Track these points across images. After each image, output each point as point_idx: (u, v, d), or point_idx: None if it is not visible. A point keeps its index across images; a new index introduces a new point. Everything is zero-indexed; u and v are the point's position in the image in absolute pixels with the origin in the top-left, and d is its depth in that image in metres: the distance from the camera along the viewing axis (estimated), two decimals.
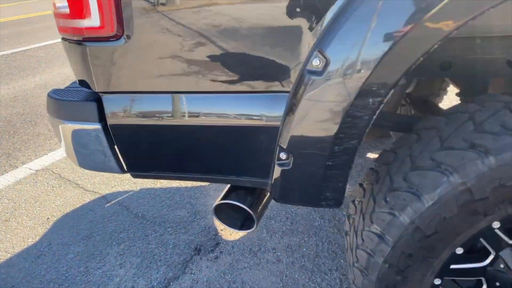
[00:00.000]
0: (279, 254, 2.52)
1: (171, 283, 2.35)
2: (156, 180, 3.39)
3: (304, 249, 2.54)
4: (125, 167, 1.51)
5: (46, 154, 3.88)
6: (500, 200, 1.15)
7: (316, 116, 1.23)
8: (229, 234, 2.71)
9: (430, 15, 1.05)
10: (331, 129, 1.22)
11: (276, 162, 1.36)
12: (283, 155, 1.34)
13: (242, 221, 1.69)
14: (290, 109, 1.26)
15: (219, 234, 2.72)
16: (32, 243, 2.74)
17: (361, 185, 1.62)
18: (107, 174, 3.33)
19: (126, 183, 3.34)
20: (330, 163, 1.28)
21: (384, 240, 1.32)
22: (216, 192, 3.19)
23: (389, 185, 1.37)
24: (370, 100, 1.18)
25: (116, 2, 1.22)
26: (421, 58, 1.12)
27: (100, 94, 1.40)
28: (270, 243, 2.60)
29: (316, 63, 1.17)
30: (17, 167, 3.68)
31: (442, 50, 1.53)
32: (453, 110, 1.37)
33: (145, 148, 1.46)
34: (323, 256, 2.47)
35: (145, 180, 3.38)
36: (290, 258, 2.47)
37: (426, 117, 1.44)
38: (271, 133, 1.32)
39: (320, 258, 2.46)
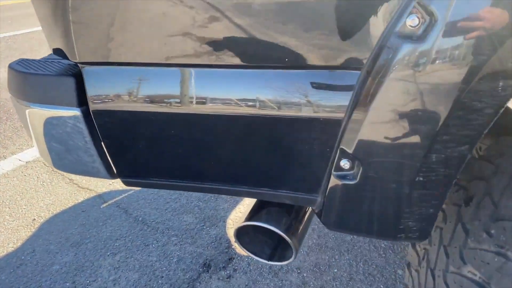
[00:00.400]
0: (305, 275, 2.09)
1: None
2: None
3: (335, 270, 2.11)
4: (114, 170, 1.08)
5: None
6: None
7: (406, 105, 0.78)
8: None
9: None
10: (430, 127, 0.78)
11: (334, 172, 0.92)
12: (345, 163, 0.90)
13: (273, 248, 1.26)
14: (363, 94, 0.81)
15: (233, 247, 2.29)
16: (13, 249, 2.33)
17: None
18: None
19: None
20: (421, 178, 0.84)
21: None
22: (231, 197, 2.75)
23: (493, 211, 0.94)
24: (501, 83, 0.73)
25: None
26: None
27: (81, 66, 0.97)
28: (294, 261, 2.17)
29: (412, 22, 0.73)
30: (5, 158, 3.26)
31: None
32: None
33: (144, 146, 1.02)
34: (358, 280, 2.04)
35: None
36: (319, 281, 2.04)
37: None
38: (327, 129, 0.89)
39: (355, 281, 2.03)
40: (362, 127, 0.83)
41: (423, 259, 1.21)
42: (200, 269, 2.14)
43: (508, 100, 0.75)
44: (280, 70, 0.87)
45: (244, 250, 1.22)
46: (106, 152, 1.04)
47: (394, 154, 0.84)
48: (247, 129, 0.94)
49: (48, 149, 1.11)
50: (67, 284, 2.07)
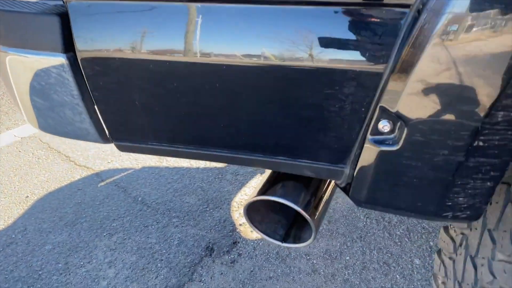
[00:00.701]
0: (314, 262, 1.94)
1: None
2: (161, 157, 2.82)
3: (347, 258, 1.96)
4: (107, 132, 0.92)
5: None
6: None
7: (471, 48, 0.62)
8: (250, 231, 2.13)
9: None
10: (498, 76, 0.62)
11: (370, 137, 0.76)
12: (385, 125, 0.74)
13: (286, 228, 1.10)
14: (413, 37, 0.65)
15: (238, 230, 2.14)
16: (3, 227, 2.18)
17: None
18: (104, 147, 2.75)
19: (126, 159, 2.77)
20: (480, 143, 0.68)
21: None
22: (235, 177, 2.59)
23: None
24: None
25: None
26: None
27: (67, 2, 0.80)
28: (303, 247, 2.02)
29: None
30: (0, 133, 3.12)
31: None
32: None
33: (142, 102, 0.86)
34: (372, 269, 1.89)
35: (148, 156, 2.81)
36: (330, 269, 1.90)
37: None
38: (364, 83, 0.72)
39: (369, 270, 1.88)
40: (410, 79, 0.67)
41: (460, 245, 1.06)
42: (203, 253, 2.00)
43: None
44: (305, 7, 0.70)
45: (255, 229, 1.07)
46: (97, 109, 0.88)
47: (449, 112, 0.67)
48: (261, 81, 0.78)
49: (32, 106, 0.96)
50: (59, 265, 1.93)
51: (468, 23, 0.60)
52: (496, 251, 0.89)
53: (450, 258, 1.09)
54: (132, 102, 0.86)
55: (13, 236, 2.11)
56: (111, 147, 2.71)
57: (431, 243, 2.04)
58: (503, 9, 0.58)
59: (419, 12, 0.64)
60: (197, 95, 0.81)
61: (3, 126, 3.21)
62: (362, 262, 1.93)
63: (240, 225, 2.17)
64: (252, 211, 1.07)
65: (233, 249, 2.03)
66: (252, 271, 1.90)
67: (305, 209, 0.94)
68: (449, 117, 0.67)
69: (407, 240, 2.06)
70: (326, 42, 0.71)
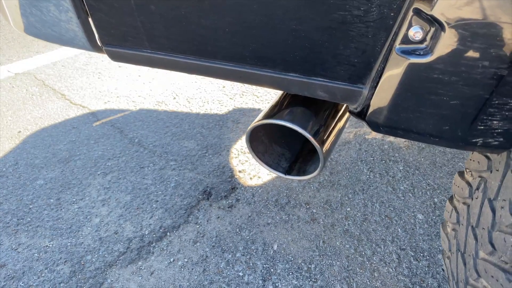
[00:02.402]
0: (314, 211, 1.88)
1: (168, 233, 1.74)
2: (161, 98, 2.71)
3: (348, 209, 1.90)
4: (97, 35, 0.81)
5: (31, 57, 3.16)
6: None
7: None
8: (250, 178, 2.06)
9: None
10: None
11: (398, 46, 0.66)
12: (416, 32, 0.63)
13: (290, 162, 1.01)
14: None
15: (236, 177, 2.07)
16: None
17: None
18: (99, 87, 2.64)
19: (123, 100, 2.66)
20: None
21: None
22: (237, 125, 2.50)
23: None
24: None
25: None
26: None
27: None
28: (303, 196, 1.96)
29: None
30: None
31: None
32: None
33: (136, 2, 0.74)
34: (374, 221, 1.83)
35: (147, 97, 2.70)
36: (329, 219, 1.84)
37: None
38: None
39: (370, 223, 1.82)
40: None
41: (477, 189, 0.97)
42: (200, 196, 1.94)
43: None
44: None
45: (257, 159, 0.98)
46: (85, 5, 0.77)
47: (496, 12, 0.56)
48: None
49: (17, 6, 0.84)
50: (51, 200, 1.87)
51: None
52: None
53: (464, 203, 1.01)
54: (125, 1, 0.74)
55: (4, 169, 2.04)
56: (108, 87, 2.61)
57: (436, 200, 1.97)
58: None
59: None
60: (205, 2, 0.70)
61: None
62: (363, 214, 1.87)
63: (240, 171, 2.10)
64: (256, 141, 0.98)
65: (231, 195, 1.96)
66: (249, 216, 1.84)
67: (314, 136, 0.85)
68: (496, 19, 0.57)
69: (411, 195, 2.00)
70: None
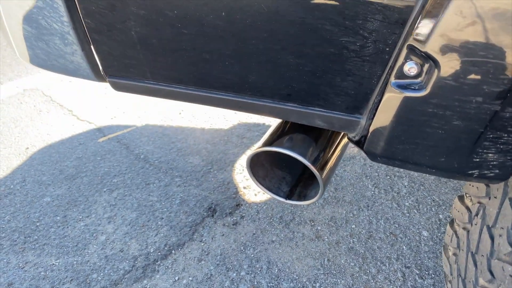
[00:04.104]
0: (319, 228, 1.88)
1: (173, 251, 1.75)
2: (166, 115, 2.73)
3: (353, 226, 1.90)
4: (100, 67, 0.83)
5: (39, 73, 3.22)
6: None
7: None
8: (254, 194, 2.07)
9: None
10: None
11: (394, 80, 0.67)
12: (412, 67, 0.64)
13: (291, 186, 1.02)
14: None
15: (241, 193, 2.08)
16: (1, 176, 2.14)
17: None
18: (106, 102, 2.67)
19: (129, 115, 2.69)
20: None
21: None
22: (241, 140, 2.51)
23: None
24: None
25: None
26: None
27: None
28: (308, 213, 1.96)
29: None
30: (2, 84, 3.04)
31: None
32: None
33: (138, 34, 0.76)
34: (379, 239, 1.83)
35: (153, 115, 2.73)
36: (334, 236, 1.84)
37: None
38: (390, 17, 0.62)
39: (375, 240, 1.82)
40: (446, 12, 0.57)
41: (476, 215, 0.98)
42: (205, 213, 1.95)
43: None
44: None
45: (258, 184, 0.99)
46: (89, 39, 0.79)
47: (489, 52, 0.58)
48: (272, 9, 0.68)
49: (22, 36, 0.87)
50: (58, 217, 1.89)
51: None
52: None
53: (464, 228, 1.01)
54: (129, 31, 0.76)
55: (12, 186, 2.07)
56: (114, 103, 2.64)
57: (441, 216, 1.96)
58: None
59: None
60: (199, 26, 0.72)
61: (5, 77, 3.13)
62: (368, 231, 1.87)
63: (244, 188, 2.11)
64: (256, 165, 0.99)
65: (236, 211, 1.97)
66: (254, 234, 1.85)
67: (313, 164, 0.86)
68: (488, 57, 0.58)
69: (416, 211, 1.99)
70: None
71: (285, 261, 1.71)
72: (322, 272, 1.67)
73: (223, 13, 0.69)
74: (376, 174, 2.21)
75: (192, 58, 0.77)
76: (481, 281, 0.88)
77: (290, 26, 0.68)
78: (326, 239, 1.82)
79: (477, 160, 0.68)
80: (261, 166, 1.01)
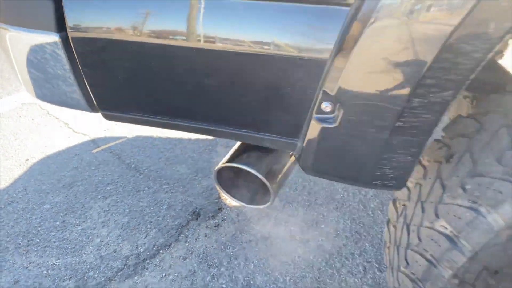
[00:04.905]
0: (292, 229, 2.10)
1: (160, 251, 1.96)
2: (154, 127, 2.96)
3: (323, 226, 2.12)
4: (94, 102, 1.06)
5: None
6: None
7: (390, 46, 0.75)
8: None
9: None
10: (415, 70, 0.75)
11: (315, 115, 0.90)
12: (326, 106, 0.87)
13: (253, 193, 1.25)
14: (350, 34, 0.77)
15: (223, 198, 2.30)
16: (5, 186, 2.35)
17: (420, 161, 1.17)
18: (99, 116, 2.88)
19: (120, 127, 2.91)
20: (401, 123, 0.82)
21: (457, 246, 0.90)
22: (225, 149, 2.74)
23: (471, 167, 0.92)
24: (492, 24, 0.69)
25: None
26: None
27: None
28: (282, 214, 2.19)
29: None
30: (1, 98, 3.25)
31: None
32: None
33: (124, 77, 0.99)
34: (345, 237, 2.06)
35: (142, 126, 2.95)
36: (305, 235, 2.06)
37: None
38: (311, 70, 0.85)
39: (341, 238, 2.05)
40: (347, 67, 0.80)
41: (400, 214, 1.21)
42: (189, 217, 2.17)
43: (497, 43, 0.71)
44: (263, 1, 0.82)
45: (224, 192, 1.22)
46: (86, 82, 1.01)
47: (376, 98, 0.80)
48: (227, 66, 0.91)
49: (30, 78, 1.09)
50: (57, 223, 2.10)
51: (393, 30, 0.72)
52: (424, 219, 1.03)
53: (394, 226, 1.24)
54: (116, 77, 0.99)
55: (14, 195, 2.28)
56: None
57: None
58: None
59: (356, 11, 0.76)
60: (170, 76, 0.95)
61: (4, 92, 3.34)
62: (335, 230, 2.10)
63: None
64: (224, 177, 1.22)
65: (218, 215, 2.19)
66: (234, 234, 2.07)
67: (265, 176, 1.08)
68: (376, 102, 0.80)
69: (379, 212, 2.22)
70: (281, 36, 0.83)
71: (260, 258, 1.94)
72: (292, 267, 1.89)
73: (189, 67, 0.92)
74: (375, 189, 2.44)
75: (165, 98, 1.00)
76: (402, 268, 1.11)
77: (244, 78, 0.91)
78: (298, 238, 2.05)
79: (378, 174, 0.90)
80: (229, 178, 1.24)
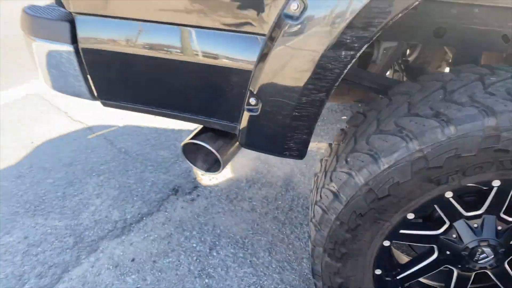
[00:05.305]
0: (254, 204, 2.55)
1: (144, 218, 2.40)
2: (143, 118, 3.39)
3: (280, 202, 2.57)
4: (95, 93, 1.49)
5: (38, 80, 3.85)
6: (454, 170, 1.13)
7: (288, 63, 1.19)
8: (209, 179, 2.73)
9: None
10: (301, 78, 1.19)
11: (246, 106, 1.33)
12: (252, 101, 1.31)
13: (210, 164, 1.69)
14: (264, 53, 1.21)
15: (199, 178, 2.74)
16: (13, 163, 2.78)
17: (330, 145, 1.61)
18: (95, 106, 3.31)
19: (114, 117, 3.34)
20: (296, 113, 1.26)
21: (338, 198, 1.32)
22: None
23: (352, 146, 1.36)
24: (343, 52, 1.13)
25: None
26: (400, 15, 1.06)
27: (74, 14, 1.36)
28: (248, 193, 2.63)
29: (294, 7, 1.12)
30: (7, 89, 3.66)
31: (439, 16, 1.46)
32: (429, 78, 1.33)
33: (116, 76, 1.43)
34: (297, 211, 2.50)
35: (133, 116, 3.38)
36: (265, 209, 2.51)
37: (401, 82, 1.40)
38: (243, 76, 1.28)
39: (293, 212, 2.49)
40: (262, 75, 1.23)
41: (315, 181, 1.64)
42: (169, 192, 2.60)
43: (348, 64, 1.15)
44: (216, 31, 1.25)
45: (189, 162, 1.65)
46: (90, 79, 1.45)
47: (281, 95, 1.24)
48: (188, 72, 1.34)
49: (49, 74, 1.52)
50: (58, 193, 2.53)
51: (287, 51, 1.16)
52: (324, 183, 1.45)
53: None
54: (110, 75, 1.43)
55: (22, 171, 2.71)
56: (101, 107, 3.28)
57: None
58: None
59: (271, 38, 1.20)
60: (147, 76, 1.39)
61: (9, 83, 3.75)
62: (290, 206, 2.54)
63: (202, 174, 2.77)
64: (189, 151, 1.65)
65: (194, 191, 2.63)
66: (206, 207, 2.50)
67: (217, 150, 1.52)
68: (281, 98, 1.24)
69: None
70: (223, 54, 1.27)
71: (226, 225, 2.38)
72: (251, 232, 2.33)
73: (166, 73, 1.36)
74: (304, 165, 2.89)
75: (144, 92, 1.44)
76: (312, 219, 1.54)
77: (201, 81, 1.34)
78: (258, 211, 2.49)
79: (286, 147, 1.34)
80: (194, 151, 1.67)
